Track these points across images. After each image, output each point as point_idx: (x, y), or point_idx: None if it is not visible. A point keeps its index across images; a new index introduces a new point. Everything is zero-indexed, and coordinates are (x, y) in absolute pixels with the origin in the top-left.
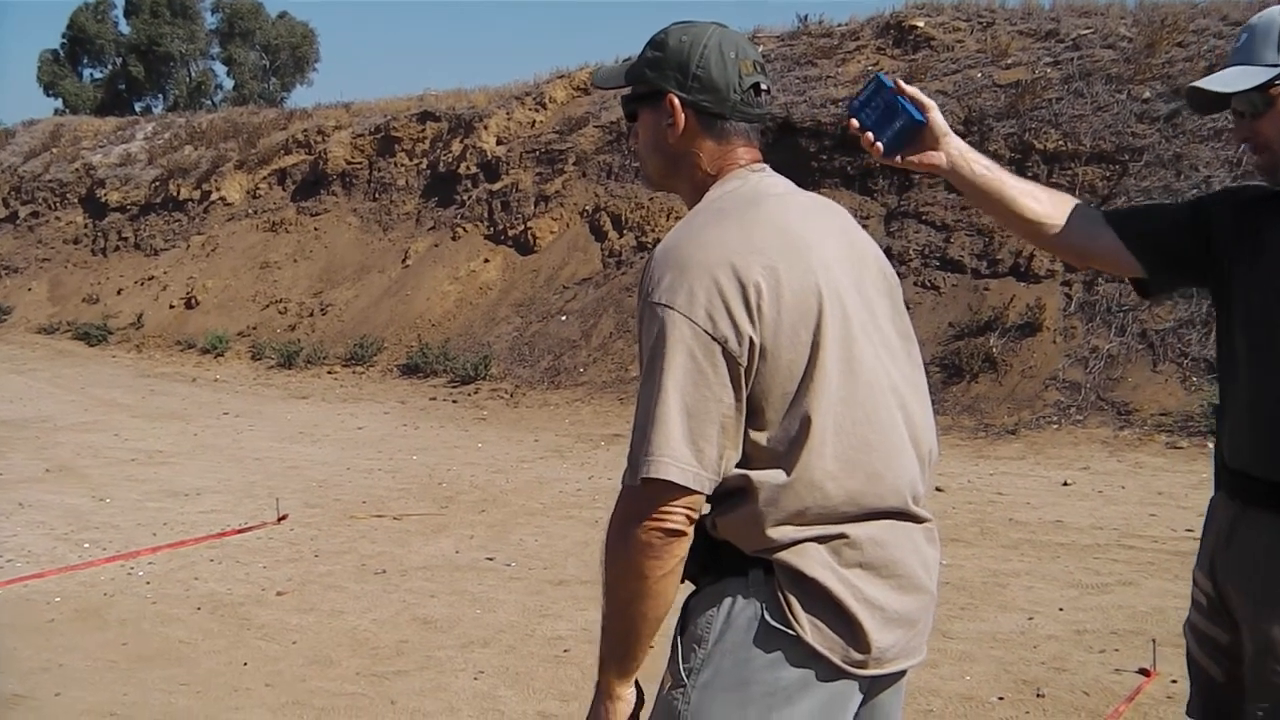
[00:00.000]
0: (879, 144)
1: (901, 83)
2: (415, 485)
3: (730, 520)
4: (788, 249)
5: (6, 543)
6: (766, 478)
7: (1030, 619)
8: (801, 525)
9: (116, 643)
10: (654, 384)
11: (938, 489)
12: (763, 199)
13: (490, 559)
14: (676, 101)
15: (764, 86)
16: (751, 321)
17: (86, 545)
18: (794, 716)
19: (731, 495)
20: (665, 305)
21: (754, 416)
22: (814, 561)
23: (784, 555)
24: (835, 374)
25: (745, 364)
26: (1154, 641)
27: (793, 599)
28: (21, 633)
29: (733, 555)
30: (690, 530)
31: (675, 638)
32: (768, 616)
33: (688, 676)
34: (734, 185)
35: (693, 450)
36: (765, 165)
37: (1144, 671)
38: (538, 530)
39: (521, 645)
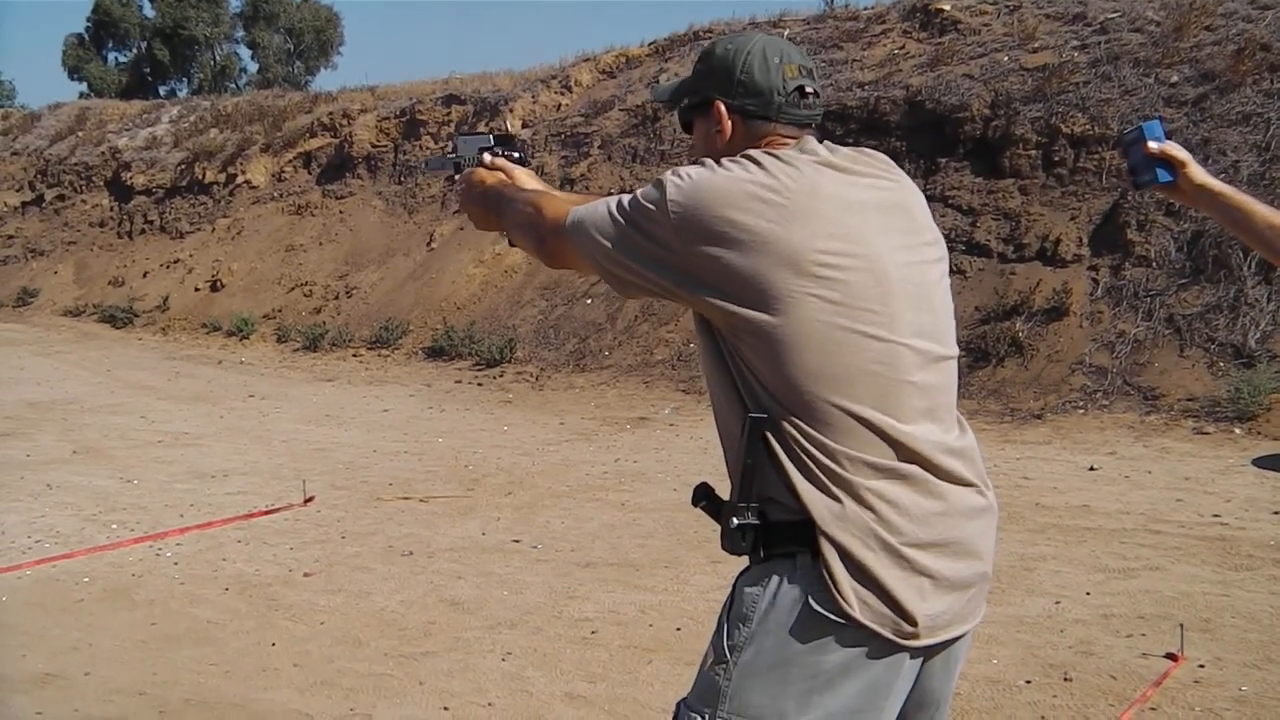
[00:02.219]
0: (1133, 179)
1: (1161, 145)
2: (441, 467)
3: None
4: (819, 201)
5: (35, 523)
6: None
7: (1057, 603)
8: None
9: (145, 623)
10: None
11: None
12: (803, 159)
13: (517, 541)
14: (723, 108)
15: (810, 89)
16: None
17: (114, 526)
18: (834, 701)
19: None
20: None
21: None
22: (857, 533)
23: (829, 528)
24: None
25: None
26: (1181, 626)
27: (840, 576)
28: (51, 613)
29: (780, 537)
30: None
31: (722, 615)
32: (812, 601)
33: (730, 654)
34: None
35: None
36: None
37: (1171, 656)
38: (564, 512)
39: (549, 627)
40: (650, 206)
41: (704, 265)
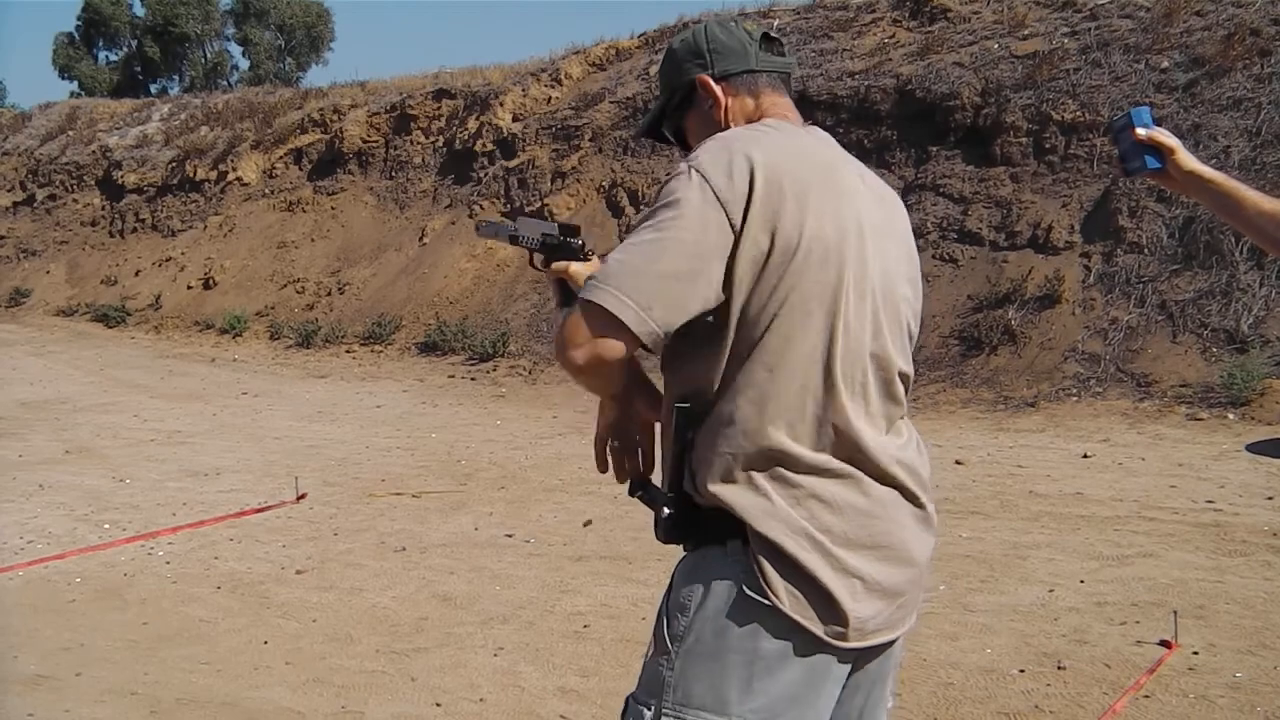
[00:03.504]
0: (1122, 166)
1: (1150, 131)
2: (434, 463)
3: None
4: (818, 172)
5: (27, 524)
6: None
7: (1051, 591)
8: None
9: (137, 622)
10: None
11: (957, 462)
12: (800, 134)
13: (509, 536)
14: (708, 80)
15: (773, 35)
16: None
17: (107, 526)
18: (775, 686)
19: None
20: (688, 165)
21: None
22: (787, 530)
23: (758, 524)
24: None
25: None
26: (1175, 613)
27: (769, 569)
28: (43, 613)
29: (712, 525)
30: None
31: (662, 605)
32: (745, 588)
33: (672, 644)
34: (774, 124)
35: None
36: (812, 126)
37: (1165, 643)
38: (557, 507)
39: (541, 621)
40: None
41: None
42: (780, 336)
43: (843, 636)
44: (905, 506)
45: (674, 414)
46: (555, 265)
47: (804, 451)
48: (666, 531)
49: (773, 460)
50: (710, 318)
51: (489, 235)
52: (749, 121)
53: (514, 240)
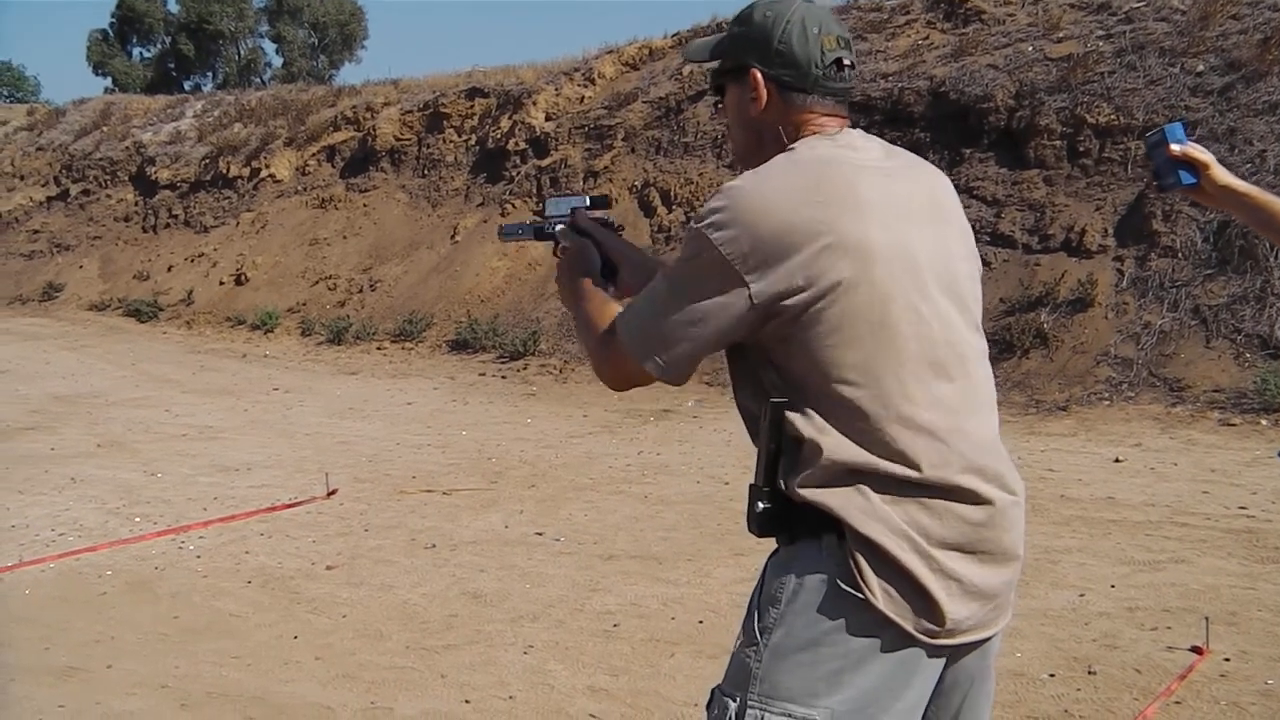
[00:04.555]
0: (1157, 182)
1: (1184, 147)
2: (465, 460)
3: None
4: (848, 209)
5: (59, 516)
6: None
7: (1082, 596)
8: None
9: (168, 616)
10: (666, 280)
11: None
12: (839, 162)
13: (539, 534)
14: (759, 76)
15: (847, 61)
16: (791, 269)
17: (138, 519)
18: (863, 680)
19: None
20: (706, 228)
21: (813, 362)
22: (887, 530)
23: (857, 524)
24: (889, 332)
25: (767, 307)
26: (1207, 619)
27: (865, 565)
28: (74, 605)
29: (808, 519)
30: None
31: (753, 598)
32: (839, 581)
33: (761, 636)
34: (813, 143)
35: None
36: (850, 129)
37: (1196, 649)
38: (587, 505)
39: (571, 620)
40: None
41: None
42: (867, 355)
43: (935, 634)
44: (1005, 501)
45: (769, 409)
46: (583, 221)
47: (895, 468)
48: (760, 526)
49: (881, 474)
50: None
51: (513, 237)
52: (784, 125)
53: (538, 234)
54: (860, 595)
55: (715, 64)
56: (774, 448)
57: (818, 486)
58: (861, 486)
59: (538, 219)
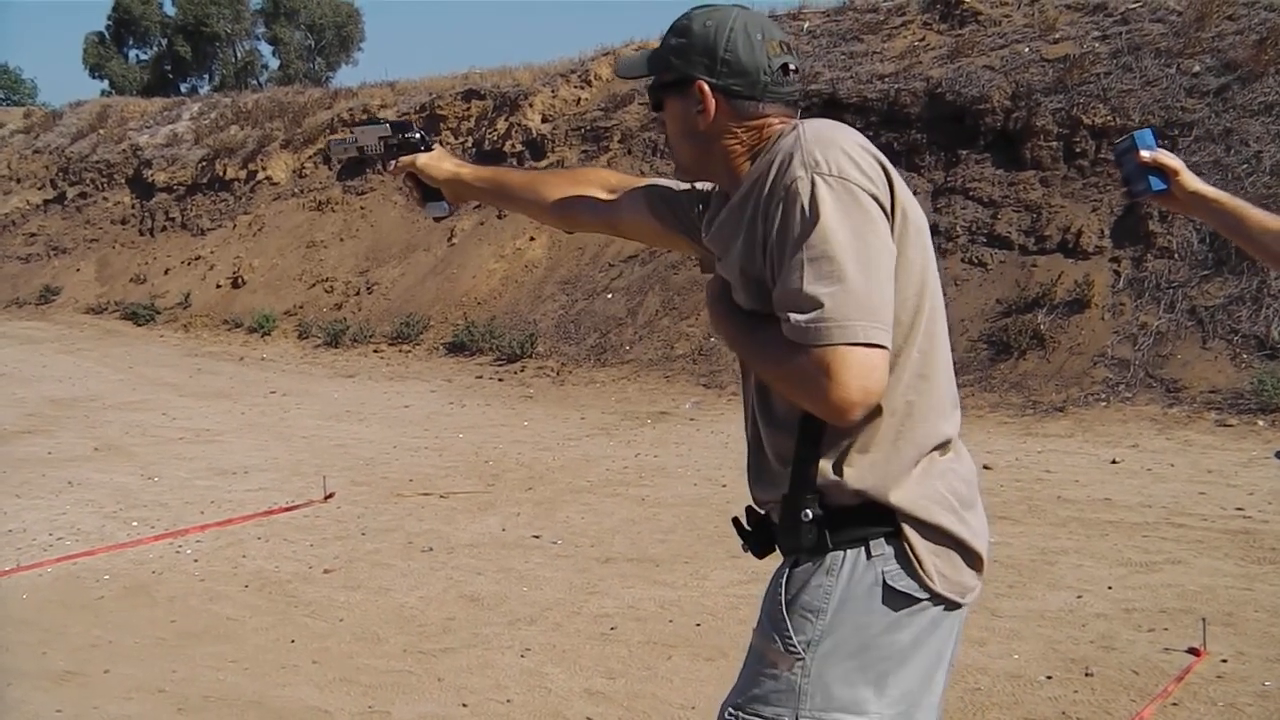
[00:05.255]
0: (1127, 189)
1: (1153, 154)
2: (462, 463)
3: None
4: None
5: (56, 520)
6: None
7: (1079, 597)
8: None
9: (165, 620)
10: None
11: (984, 466)
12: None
13: (537, 537)
14: (706, 88)
15: (793, 66)
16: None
17: (135, 523)
18: (908, 677)
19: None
20: (831, 174)
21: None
22: (941, 508)
23: (923, 514)
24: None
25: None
26: (1204, 620)
27: (922, 553)
28: (71, 610)
29: (850, 522)
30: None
31: (777, 611)
32: (890, 581)
33: (807, 650)
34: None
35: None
36: None
37: (1193, 651)
38: (584, 508)
39: (568, 623)
40: None
41: None
42: (926, 316)
43: (974, 588)
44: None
45: (802, 415)
46: (401, 161)
47: (952, 431)
48: (803, 538)
49: (935, 447)
50: None
51: (339, 152)
52: (737, 134)
53: (361, 153)
54: (914, 593)
55: (651, 79)
56: (810, 449)
57: (879, 476)
58: (924, 462)
59: (354, 142)
